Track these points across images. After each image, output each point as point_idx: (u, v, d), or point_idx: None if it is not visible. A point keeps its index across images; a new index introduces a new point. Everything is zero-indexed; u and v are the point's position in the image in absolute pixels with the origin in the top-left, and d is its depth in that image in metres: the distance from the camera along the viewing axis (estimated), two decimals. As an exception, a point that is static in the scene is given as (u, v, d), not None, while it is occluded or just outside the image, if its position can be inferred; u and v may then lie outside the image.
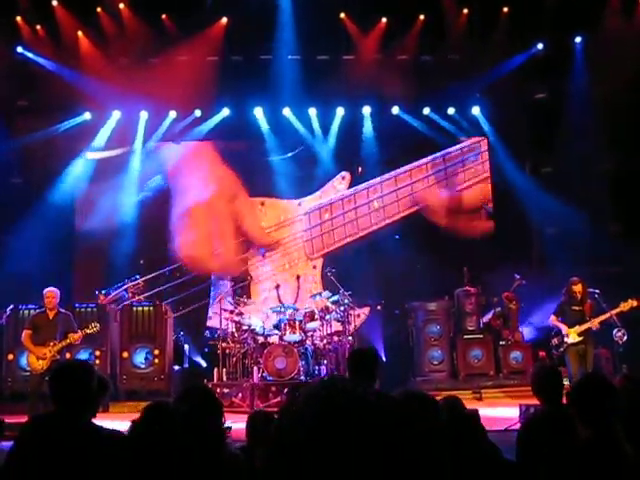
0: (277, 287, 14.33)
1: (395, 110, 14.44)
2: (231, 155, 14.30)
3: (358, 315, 12.93)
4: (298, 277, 14.30)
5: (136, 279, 13.38)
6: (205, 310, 14.18)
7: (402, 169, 14.96)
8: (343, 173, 14.92)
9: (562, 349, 9.78)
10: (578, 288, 9.78)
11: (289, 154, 14.48)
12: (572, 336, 9.72)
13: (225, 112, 14.26)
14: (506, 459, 3.75)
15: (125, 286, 13.29)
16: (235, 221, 14.32)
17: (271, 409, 9.93)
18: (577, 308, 9.81)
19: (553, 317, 10.04)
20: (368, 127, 14.65)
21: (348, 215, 14.77)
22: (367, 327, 13.45)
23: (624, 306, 9.64)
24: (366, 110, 14.50)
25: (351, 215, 14.78)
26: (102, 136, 14.09)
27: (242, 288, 13.82)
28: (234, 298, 12.63)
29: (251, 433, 4.32)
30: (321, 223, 14.75)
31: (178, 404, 3.78)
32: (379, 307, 12.97)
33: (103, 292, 13.00)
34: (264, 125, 14.46)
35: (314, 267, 14.60)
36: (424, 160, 15.02)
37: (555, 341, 9.91)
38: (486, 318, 13.09)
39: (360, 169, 14.75)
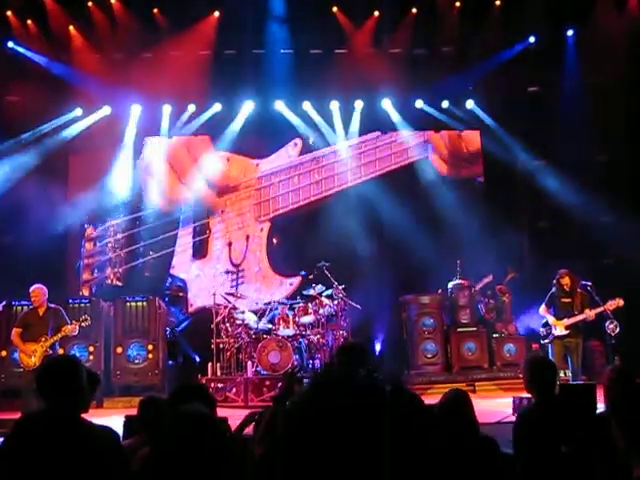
0: (229, 244, 14.68)
1: (387, 103, 14.41)
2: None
3: (291, 284, 14.00)
4: (248, 237, 14.67)
5: (119, 217, 14.32)
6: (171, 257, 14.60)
7: (366, 137, 15.19)
8: (296, 140, 15.09)
9: (548, 340, 9.88)
10: (566, 281, 9.86)
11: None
12: (559, 328, 9.82)
13: (217, 107, 14.24)
14: (503, 452, 3.76)
15: (108, 223, 14.27)
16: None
17: (266, 403, 9.97)
18: (567, 300, 9.88)
19: (544, 307, 10.15)
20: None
21: (295, 181, 15.05)
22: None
23: (610, 305, 9.68)
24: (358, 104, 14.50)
25: (299, 181, 15.06)
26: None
27: (201, 242, 14.51)
28: (228, 293, 12.63)
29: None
30: (270, 186, 14.99)
31: (172, 401, 3.79)
32: (311, 276, 12.89)
33: (92, 226, 14.07)
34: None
35: (261, 230, 14.88)
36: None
37: (543, 331, 10.06)
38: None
39: (312, 139, 14.89)
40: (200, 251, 14.70)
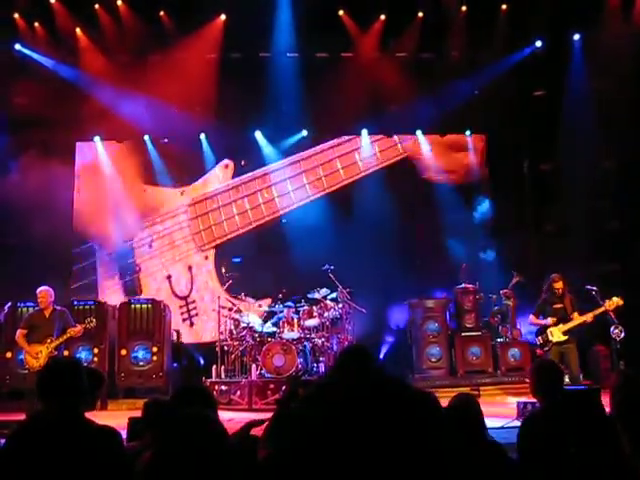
0: (169, 278, 14.30)
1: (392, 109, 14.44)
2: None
3: (260, 305, 13.24)
4: (190, 267, 14.22)
5: None
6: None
7: (303, 154, 14.98)
8: (226, 161, 14.86)
9: (547, 348, 9.67)
10: (559, 285, 9.69)
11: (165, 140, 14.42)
12: (556, 335, 9.60)
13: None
14: (511, 458, 3.75)
15: None
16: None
17: (270, 406, 9.97)
18: (558, 306, 9.70)
19: (532, 317, 9.93)
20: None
21: (238, 205, 14.73)
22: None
23: (610, 304, 9.59)
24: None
25: (242, 205, 14.73)
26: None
27: (132, 281, 14.06)
28: (231, 295, 12.63)
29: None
30: (208, 212, 14.67)
31: (174, 403, 3.80)
32: (280, 295, 12.85)
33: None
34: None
35: (206, 257, 14.56)
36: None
37: (540, 339, 9.77)
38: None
39: (243, 161, 14.71)
40: (133, 289, 14.23)
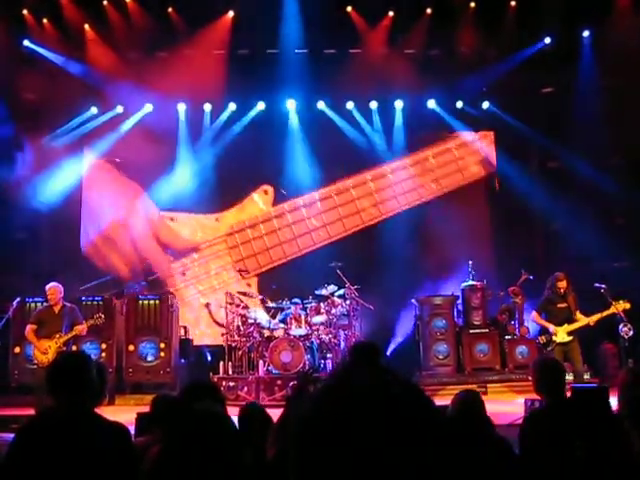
0: (207, 305, 13.92)
1: (399, 104, 14.40)
2: (137, 168, 13.80)
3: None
4: (230, 294, 13.13)
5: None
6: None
7: (340, 184, 14.59)
8: (265, 187, 14.48)
9: (550, 348, 9.57)
10: (563, 284, 9.56)
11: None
12: (560, 335, 9.50)
13: (232, 107, 14.30)
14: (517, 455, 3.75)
15: None
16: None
17: (277, 402, 9.98)
18: (562, 305, 9.58)
19: (536, 314, 9.82)
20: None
21: (283, 233, 14.34)
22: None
23: (616, 307, 9.53)
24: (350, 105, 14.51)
25: (288, 233, 14.35)
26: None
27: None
28: (240, 292, 12.64)
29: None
30: (251, 240, 14.32)
31: (183, 399, 3.80)
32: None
33: None
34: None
35: (248, 285, 14.16)
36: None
37: (543, 339, 9.67)
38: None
39: (284, 191, 13.96)
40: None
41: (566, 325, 9.50)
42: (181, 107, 14.17)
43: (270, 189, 14.45)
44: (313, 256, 14.10)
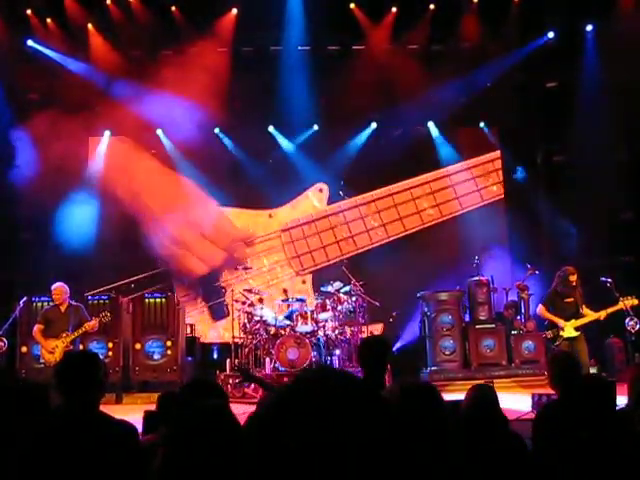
0: (260, 301, 13.99)
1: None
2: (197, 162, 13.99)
3: (371, 332, 12.77)
4: (285, 291, 13.37)
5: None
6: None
7: (400, 184, 14.63)
8: (319, 185, 14.52)
9: (558, 343, 9.52)
10: (575, 277, 9.48)
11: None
12: (568, 330, 9.45)
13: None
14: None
15: None
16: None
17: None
18: (569, 300, 9.52)
19: (542, 308, 9.73)
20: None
21: (339, 231, 14.36)
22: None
23: (625, 303, 9.50)
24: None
25: (344, 231, 14.37)
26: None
27: (219, 304, 13.81)
28: (246, 290, 12.65)
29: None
30: (306, 238, 14.33)
31: (184, 395, 3.82)
32: (391, 320, 12.96)
33: None
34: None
35: (303, 282, 14.27)
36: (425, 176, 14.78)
37: (550, 334, 9.63)
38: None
39: (341, 191, 14.01)
40: (220, 312, 14.07)
41: (574, 320, 9.47)
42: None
43: (325, 187, 14.50)
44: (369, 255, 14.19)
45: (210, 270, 14.10)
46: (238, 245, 14.28)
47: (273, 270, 14.36)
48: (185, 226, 14.03)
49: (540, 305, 9.88)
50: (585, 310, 9.50)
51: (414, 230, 14.47)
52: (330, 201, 14.54)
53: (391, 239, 14.39)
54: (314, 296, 12.82)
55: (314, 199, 14.57)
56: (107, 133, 14.30)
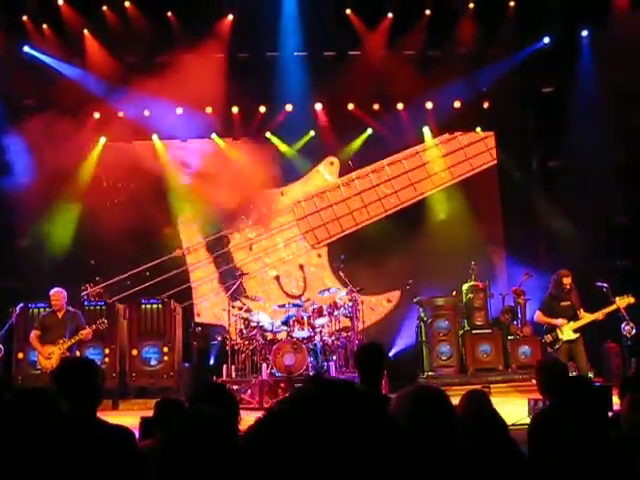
0: (277, 278, 14.12)
1: (400, 106, 14.38)
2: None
3: (389, 300, 13.46)
4: (301, 266, 13.93)
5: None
6: (190, 309, 14.09)
7: (412, 149, 14.80)
8: (330, 158, 14.65)
9: (557, 346, 9.58)
10: (569, 280, 9.58)
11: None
12: (567, 333, 9.51)
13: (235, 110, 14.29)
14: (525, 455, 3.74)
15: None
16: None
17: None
18: (566, 303, 9.60)
19: (540, 314, 9.82)
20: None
21: (352, 201, 14.51)
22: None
23: (621, 302, 9.53)
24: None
25: (357, 202, 14.52)
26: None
27: (234, 285, 13.59)
28: (242, 295, 12.64)
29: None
30: (319, 211, 14.47)
31: (196, 402, 3.79)
32: (408, 287, 13.13)
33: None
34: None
35: (319, 255, 14.43)
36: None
37: (549, 338, 9.68)
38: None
39: (351, 162, 14.42)
40: (238, 291, 13.79)
41: (572, 323, 9.50)
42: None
43: (336, 160, 14.63)
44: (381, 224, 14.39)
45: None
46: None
47: (288, 246, 14.49)
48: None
49: (537, 311, 9.93)
50: (582, 313, 9.53)
51: (426, 194, 14.59)
52: (341, 174, 14.69)
53: (404, 205, 14.53)
54: (331, 271, 13.15)
55: (325, 173, 14.70)
56: (102, 139, 14.23)
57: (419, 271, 13.33)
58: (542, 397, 4.48)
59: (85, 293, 13.08)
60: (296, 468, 1.22)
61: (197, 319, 13.93)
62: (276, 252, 14.45)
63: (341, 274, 12.16)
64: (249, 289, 13.84)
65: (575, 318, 9.54)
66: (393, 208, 14.55)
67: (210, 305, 14.12)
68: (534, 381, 4.75)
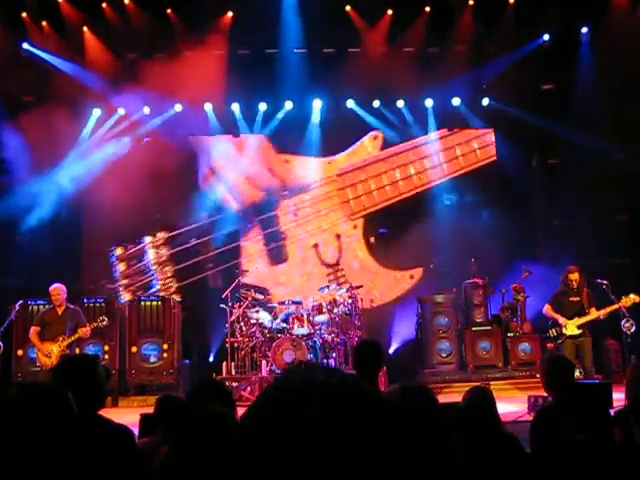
0: (315, 246, 14.37)
1: (400, 104, 14.36)
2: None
3: (412, 276, 13.90)
4: (338, 236, 14.32)
5: (155, 235, 13.89)
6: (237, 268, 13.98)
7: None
8: (374, 132, 14.77)
9: (560, 341, 9.71)
10: (575, 276, 9.67)
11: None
12: (570, 328, 9.60)
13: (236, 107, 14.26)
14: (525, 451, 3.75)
15: (144, 242, 13.85)
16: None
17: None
18: (575, 299, 9.69)
19: (548, 307, 9.93)
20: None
21: (389, 175, 14.66)
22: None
23: (625, 301, 9.57)
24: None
25: (393, 176, 14.68)
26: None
27: (277, 248, 14.18)
28: (246, 290, 12.56)
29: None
30: (358, 183, 14.66)
31: (193, 399, 3.80)
32: (432, 265, 13.31)
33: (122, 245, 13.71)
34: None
35: (355, 227, 14.64)
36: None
37: (553, 332, 9.80)
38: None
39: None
40: (279, 256, 14.35)
41: (576, 318, 9.58)
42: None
43: (380, 135, 14.79)
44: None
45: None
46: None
47: (328, 215, 14.69)
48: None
49: (546, 304, 10.03)
50: (591, 310, 9.60)
51: (454, 175, 14.72)
52: (383, 148, 14.87)
53: (432, 184, 14.65)
54: (365, 243, 13.86)
55: (369, 146, 14.90)
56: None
57: (441, 252, 13.44)
58: (546, 393, 4.47)
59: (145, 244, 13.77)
60: (293, 454, 1.21)
61: (243, 279, 13.98)
62: (317, 220, 14.69)
63: (339, 273, 12.19)
64: (290, 253, 14.32)
65: (581, 314, 9.62)
66: (423, 186, 14.71)
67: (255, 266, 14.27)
68: (538, 376, 4.74)
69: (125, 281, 13.98)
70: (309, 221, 14.61)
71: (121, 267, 13.95)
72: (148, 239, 13.98)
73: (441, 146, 14.80)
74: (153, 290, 13.84)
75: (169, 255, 14.00)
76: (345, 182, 14.71)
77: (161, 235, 14.00)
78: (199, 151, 14.41)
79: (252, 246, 14.43)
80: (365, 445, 1.22)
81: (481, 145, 14.81)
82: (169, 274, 14.03)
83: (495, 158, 14.73)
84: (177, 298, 13.31)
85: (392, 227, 14.16)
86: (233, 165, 14.41)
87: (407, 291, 14.24)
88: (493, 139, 14.77)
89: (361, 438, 1.23)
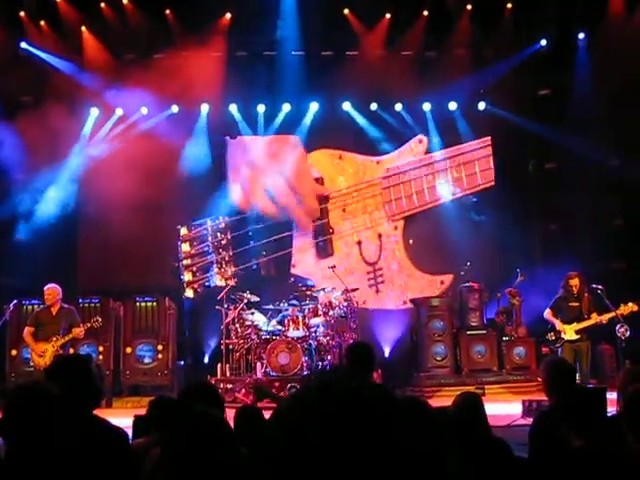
0: (359, 243, 14.49)
1: (398, 107, 14.36)
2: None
3: (442, 282, 14.02)
4: (380, 235, 14.47)
5: (217, 218, 13.95)
6: (288, 258, 14.32)
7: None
8: (420, 136, 14.83)
9: (558, 345, 9.79)
10: (575, 282, 9.78)
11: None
12: (568, 333, 9.70)
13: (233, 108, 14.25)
14: (516, 455, 3.75)
15: (206, 225, 13.90)
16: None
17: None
18: (574, 304, 9.80)
19: (549, 311, 10.05)
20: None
21: (428, 180, 14.75)
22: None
23: (624, 309, 9.63)
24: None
25: (431, 180, 14.77)
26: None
27: (325, 242, 14.34)
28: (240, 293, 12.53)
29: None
30: (400, 184, 14.74)
31: (182, 400, 3.80)
32: (462, 273, 13.26)
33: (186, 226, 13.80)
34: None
35: (395, 228, 14.72)
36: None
37: (551, 336, 9.92)
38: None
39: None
40: (325, 250, 14.47)
41: (575, 324, 9.65)
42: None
43: (425, 139, 14.84)
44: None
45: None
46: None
47: (371, 213, 14.79)
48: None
49: (548, 309, 10.10)
50: (593, 315, 9.66)
51: (483, 186, 14.69)
52: (427, 152, 14.93)
53: (466, 193, 14.71)
54: (403, 245, 14.28)
55: (416, 149, 14.97)
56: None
57: (474, 259, 13.38)
58: (546, 396, 4.47)
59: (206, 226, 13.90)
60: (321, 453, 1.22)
61: (293, 270, 14.20)
62: (363, 217, 14.75)
63: (334, 273, 12.20)
64: (336, 248, 14.42)
65: (581, 320, 9.70)
66: (459, 193, 14.74)
67: (304, 258, 14.45)
68: (538, 379, 4.74)
69: (187, 261, 14.00)
70: (356, 217, 14.74)
71: (184, 247, 13.98)
72: (209, 222, 14.05)
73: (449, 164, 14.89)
74: (210, 274, 13.90)
75: (228, 240, 14.08)
76: (390, 182, 14.81)
77: (221, 219, 14.11)
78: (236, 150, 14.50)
79: (301, 238, 14.54)
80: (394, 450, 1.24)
81: (482, 169, 14.78)
82: (227, 258, 14.05)
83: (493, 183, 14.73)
84: (232, 283, 13.31)
85: (427, 231, 14.25)
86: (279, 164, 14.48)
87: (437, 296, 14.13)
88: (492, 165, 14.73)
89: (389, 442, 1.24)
